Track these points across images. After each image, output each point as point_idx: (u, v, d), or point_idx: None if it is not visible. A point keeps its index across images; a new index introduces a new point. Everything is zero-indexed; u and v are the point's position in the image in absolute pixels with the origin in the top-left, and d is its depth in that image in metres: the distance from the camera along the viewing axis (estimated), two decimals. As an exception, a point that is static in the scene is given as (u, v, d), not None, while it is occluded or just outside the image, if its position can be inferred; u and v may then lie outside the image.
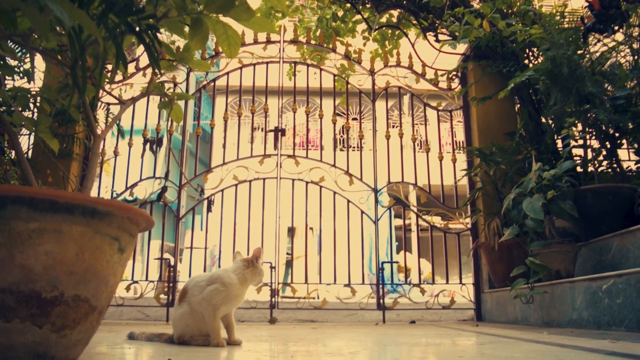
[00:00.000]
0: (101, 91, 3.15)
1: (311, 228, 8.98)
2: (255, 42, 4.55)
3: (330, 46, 4.70)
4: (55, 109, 2.60)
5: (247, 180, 4.25)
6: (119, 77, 4.38)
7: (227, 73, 4.52)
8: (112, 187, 4.30)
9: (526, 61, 4.07)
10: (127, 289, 4.06)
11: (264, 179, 4.30)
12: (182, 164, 4.37)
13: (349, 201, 4.29)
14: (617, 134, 3.39)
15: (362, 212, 4.34)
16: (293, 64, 5.05)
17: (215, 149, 5.88)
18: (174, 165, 4.29)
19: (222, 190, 4.30)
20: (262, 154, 4.36)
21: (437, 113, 4.64)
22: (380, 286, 4.16)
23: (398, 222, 7.26)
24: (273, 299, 3.99)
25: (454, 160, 4.45)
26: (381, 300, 4.08)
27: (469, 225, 4.31)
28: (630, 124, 3.17)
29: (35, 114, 2.87)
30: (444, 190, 4.39)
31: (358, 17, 5.47)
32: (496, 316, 3.77)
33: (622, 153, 3.70)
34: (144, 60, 3.99)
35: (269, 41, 4.56)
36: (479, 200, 4.14)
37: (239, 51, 1.61)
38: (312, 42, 4.85)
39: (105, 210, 1.29)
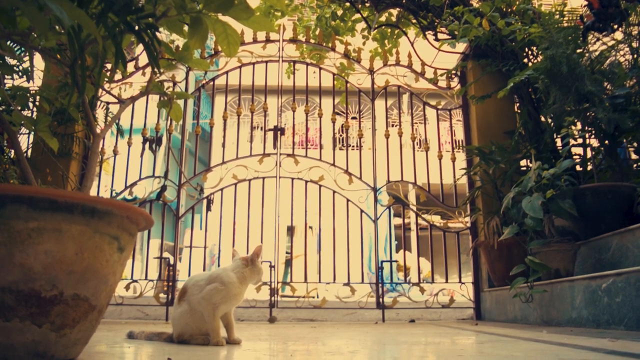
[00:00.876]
0: (100, 90, 3.14)
1: (310, 227, 8.98)
2: (255, 41, 4.54)
3: (330, 45, 4.70)
4: (55, 108, 2.60)
5: (247, 179, 4.25)
6: (118, 76, 4.38)
7: (227, 72, 4.51)
8: (112, 186, 4.30)
9: (525, 60, 4.07)
10: (127, 288, 4.06)
11: (264, 178, 4.30)
12: (182, 163, 4.37)
13: (348, 200, 4.29)
14: (616, 133, 3.39)
15: (362, 211, 4.34)
16: (292, 63, 5.05)
17: (215, 148, 5.87)
18: (173, 164, 4.29)
19: (221, 189, 4.30)
20: (262, 153, 4.37)
21: (437, 112, 4.63)
22: (380, 285, 4.16)
23: (397, 221, 7.25)
24: (272, 298, 3.99)
25: (454, 159, 4.45)
26: (380, 299, 4.08)
27: (469, 224, 4.31)
28: (629, 122, 3.17)
29: (35, 113, 2.87)
30: (444, 189, 4.39)
31: (357, 16, 5.47)
32: (495, 315, 3.77)
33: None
34: (143, 59, 3.98)
35: (268, 40, 4.55)
36: (478, 199, 4.14)
37: (238, 50, 1.60)
38: (312, 41, 4.85)
39: (104, 210, 1.29)
